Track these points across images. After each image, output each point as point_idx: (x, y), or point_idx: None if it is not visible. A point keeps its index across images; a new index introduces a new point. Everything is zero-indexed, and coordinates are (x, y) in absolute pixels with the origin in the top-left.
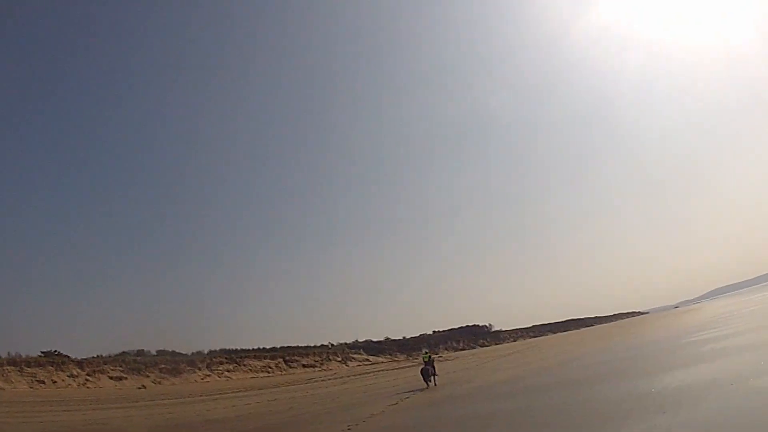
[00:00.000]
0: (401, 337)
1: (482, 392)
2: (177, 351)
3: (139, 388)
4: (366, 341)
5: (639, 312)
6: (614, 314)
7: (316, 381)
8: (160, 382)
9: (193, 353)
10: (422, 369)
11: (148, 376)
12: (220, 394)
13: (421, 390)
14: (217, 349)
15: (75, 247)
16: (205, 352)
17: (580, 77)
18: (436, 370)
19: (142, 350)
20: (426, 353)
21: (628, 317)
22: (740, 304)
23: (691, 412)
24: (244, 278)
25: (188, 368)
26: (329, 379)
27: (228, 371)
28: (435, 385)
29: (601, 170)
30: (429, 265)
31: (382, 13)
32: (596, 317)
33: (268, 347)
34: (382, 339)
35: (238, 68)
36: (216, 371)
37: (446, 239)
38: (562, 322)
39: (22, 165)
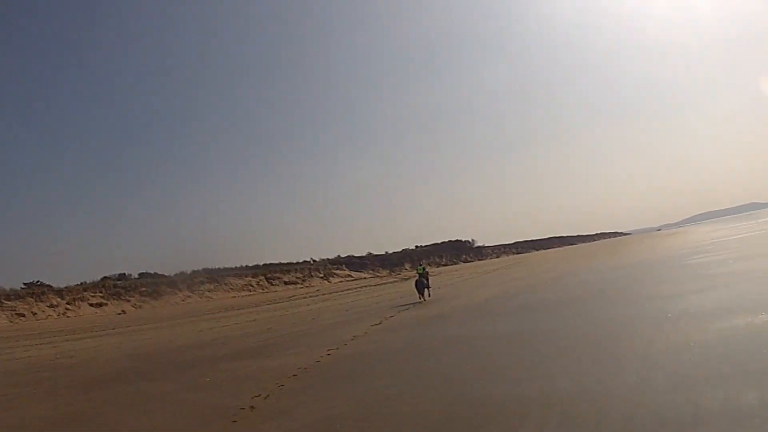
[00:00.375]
0: (384, 252)
1: (471, 311)
2: (159, 273)
3: (119, 314)
4: (348, 257)
5: (621, 233)
6: (597, 233)
7: (298, 299)
8: (140, 306)
9: (175, 274)
10: (416, 281)
11: (128, 301)
12: (199, 315)
13: (407, 308)
14: (200, 269)
15: (56, 173)
16: (188, 272)
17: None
18: (430, 283)
19: (124, 274)
20: (421, 266)
21: (611, 237)
22: (729, 230)
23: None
24: (227, 197)
25: (169, 290)
26: (310, 297)
27: (209, 291)
28: (430, 296)
29: (587, 90)
30: (412, 181)
31: None
32: (579, 236)
33: (250, 265)
34: (364, 254)
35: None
36: (197, 292)
37: (430, 155)
38: (545, 239)
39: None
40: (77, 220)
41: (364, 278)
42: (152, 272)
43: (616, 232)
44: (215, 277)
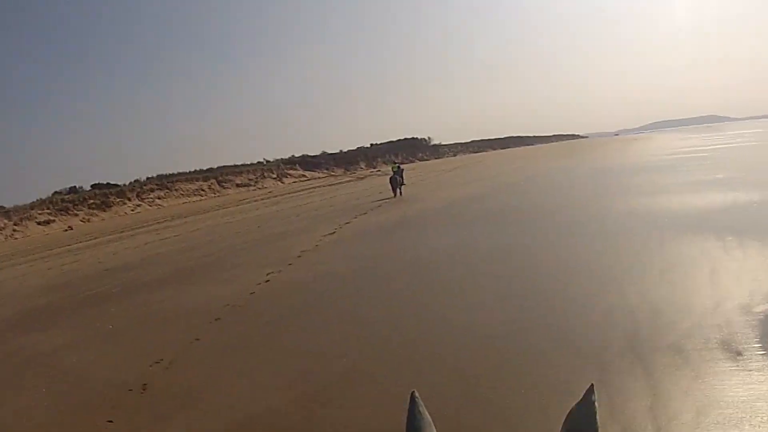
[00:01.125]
0: (338, 151)
1: (439, 216)
2: (113, 183)
3: (66, 230)
4: (302, 156)
5: (579, 135)
6: (554, 135)
7: (249, 202)
8: (88, 220)
9: (128, 183)
10: (391, 178)
11: (76, 215)
12: (144, 226)
13: (363, 213)
14: (154, 175)
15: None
16: (142, 180)
17: None
18: (404, 180)
19: (75, 187)
20: (396, 164)
21: (568, 139)
22: (698, 140)
23: None
24: (181, 99)
25: (118, 200)
26: (262, 200)
27: (159, 198)
28: (401, 194)
29: None
30: (368, 78)
31: None
32: (536, 137)
33: (204, 168)
34: (318, 153)
35: None
36: (146, 200)
37: (384, 49)
38: (502, 138)
39: None
40: (31, 132)
41: (319, 178)
42: (105, 182)
43: (574, 134)
44: (165, 183)
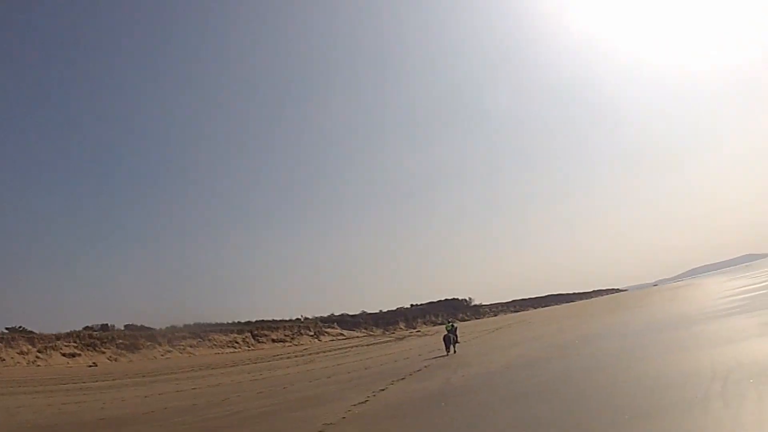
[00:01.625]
0: (378, 311)
1: (485, 385)
2: (147, 326)
3: (90, 366)
4: (341, 315)
5: (618, 289)
6: (594, 290)
7: (281, 358)
8: (116, 359)
9: (162, 329)
10: (444, 336)
11: (103, 353)
12: (168, 373)
13: (402, 378)
14: (191, 323)
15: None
16: (180, 326)
17: (564, 55)
18: (458, 338)
19: (107, 325)
20: (449, 322)
21: (607, 294)
22: (747, 280)
23: None
24: (221, 251)
25: (148, 344)
26: (296, 356)
27: (191, 347)
28: (455, 352)
29: (581, 147)
30: (408, 239)
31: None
32: (576, 293)
33: (240, 321)
34: (357, 312)
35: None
36: (178, 347)
37: (425, 214)
38: (542, 297)
39: None
40: (74, 268)
41: (357, 337)
42: (139, 324)
43: (613, 289)
44: (198, 332)
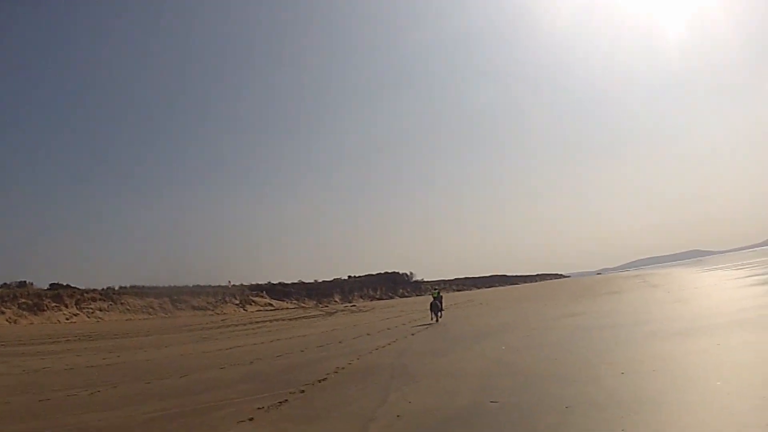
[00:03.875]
0: (313, 281)
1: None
2: (73, 285)
3: None
4: (268, 283)
5: (561, 275)
6: (538, 274)
7: (197, 329)
8: (15, 321)
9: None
10: (431, 303)
11: (2, 313)
12: (57, 341)
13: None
14: (128, 285)
15: None
16: (116, 288)
17: (550, 43)
18: (443, 306)
19: (25, 282)
20: (436, 290)
21: (552, 278)
22: (715, 277)
23: None
24: (156, 211)
25: (53, 304)
26: (211, 329)
27: (101, 310)
28: (440, 319)
29: (528, 131)
30: (350, 210)
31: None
32: (521, 276)
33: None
34: (290, 282)
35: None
36: (86, 309)
37: (366, 183)
38: (487, 277)
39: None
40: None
41: (287, 308)
42: (64, 284)
43: (557, 274)
44: (111, 294)
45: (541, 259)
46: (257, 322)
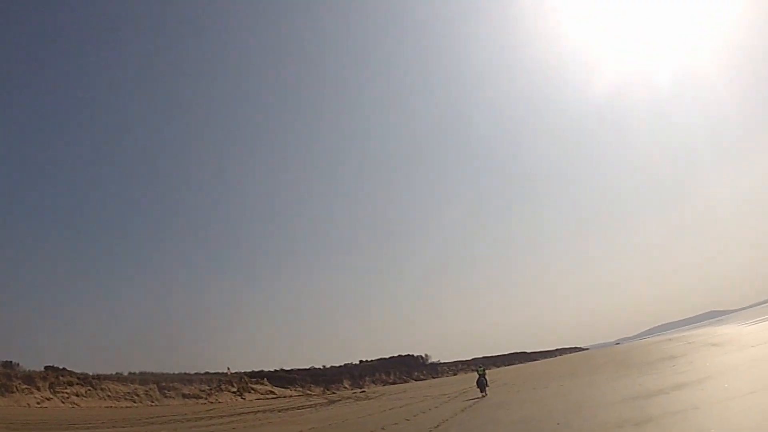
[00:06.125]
0: (321, 366)
1: None
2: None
3: None
4: (274, 370)
5: (580, 348)
6: (557, 349)
7: (179, 420)
8: None
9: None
10: (477, 380)
11: None
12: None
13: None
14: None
15: None
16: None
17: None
18: (488, 382)
19: (10, 362)
20: (481, 368)
21: (571, 352)
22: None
23: None
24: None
25: (24, 386)
26: (196, 419)
27: (77, 395)
28: (487, 394)
29: (536, 203)
30: (359, 293)
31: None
32: (540, 351)
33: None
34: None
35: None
36: (60, 394)
37: (382, 270)
38: (506, 355)
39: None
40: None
41: (290, 396)
42: (61, 367)
43: (576, 347)
44: (90, 379)
45: (556, 333)
46: (260, 411)
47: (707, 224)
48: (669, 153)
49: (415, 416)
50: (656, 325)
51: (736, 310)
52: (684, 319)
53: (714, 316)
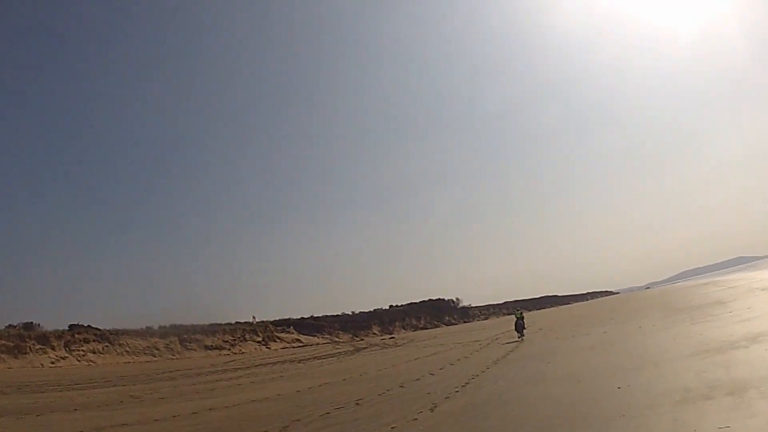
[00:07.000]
0: (350, 312)
1: None
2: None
3: None
4: (300, 318)
5: (611, 291)
6: (588, 292)
7: (192, 376)
8: None
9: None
10: (516, 323)
11: None
12: (29, 391)
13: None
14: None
15: None
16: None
17: (562, 51)
18: (525, 324)
19: (31, 323)
20: (519, 311)
21: (602, 296)
22: None
23: None
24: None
25: (38, 346)
26: (216, 372)
27: (93, 352)
28: (524, 336)
29: (568, 148)
30: (393, 239)
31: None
32: (572, 295)
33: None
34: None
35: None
36: (76, 352)
37: (411, 213)
38: (537, 298)
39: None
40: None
41: (317, 344)
42: (86, 324)
43: (606, 291)
44: (107, 334)
45: (586, 277)
46: (286, 361)
47: (736, 169)
48: (693, 100)
49: (441, 369)
50: (685, 269)
51: (765, 257)
52: (712, 264)
53: (742, 261)
